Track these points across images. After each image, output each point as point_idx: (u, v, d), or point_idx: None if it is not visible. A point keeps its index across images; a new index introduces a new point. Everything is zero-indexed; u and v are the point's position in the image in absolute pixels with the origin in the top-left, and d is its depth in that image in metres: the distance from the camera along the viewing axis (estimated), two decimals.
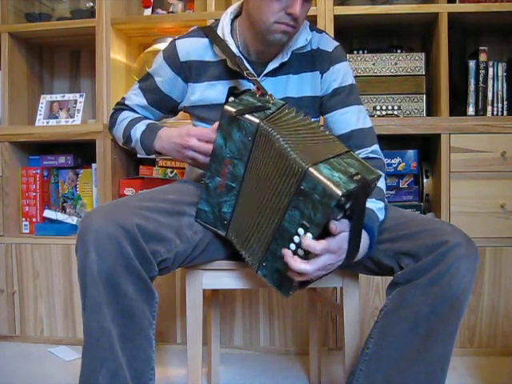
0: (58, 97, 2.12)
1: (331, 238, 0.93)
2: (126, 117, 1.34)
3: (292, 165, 0.93)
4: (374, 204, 1.06)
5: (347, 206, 0.92)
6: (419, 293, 0.99)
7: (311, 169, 0.90)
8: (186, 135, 1.12)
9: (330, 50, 1.27)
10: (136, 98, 1.35)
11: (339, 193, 0.87)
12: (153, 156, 1.92)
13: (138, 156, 1.99)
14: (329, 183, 0.88)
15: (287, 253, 0.94)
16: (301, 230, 0.93)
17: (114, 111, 1.39)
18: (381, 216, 1.07)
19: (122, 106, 1.38)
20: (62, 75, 2.32)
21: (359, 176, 0.91)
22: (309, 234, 0.92)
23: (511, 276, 1.78)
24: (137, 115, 1.35)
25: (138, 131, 1.27)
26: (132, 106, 1.36)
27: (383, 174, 1.19)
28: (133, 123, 1.30)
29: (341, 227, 0.93)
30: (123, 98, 1.39)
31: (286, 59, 1.23)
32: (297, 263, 0.92)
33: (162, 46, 1.91)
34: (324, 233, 0.93)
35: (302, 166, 0.91)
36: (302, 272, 0.93)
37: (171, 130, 1.22)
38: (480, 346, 1.80)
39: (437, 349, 0.98)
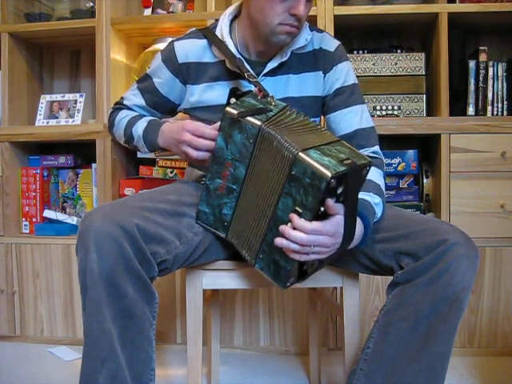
0: (58, 97, 2.12)
1: (326, 220, 0.93)
2: (124, 116, 1.34)
3: (283, 152, 0.94)
4: (370, 198, 1.06)
5: (339, 190, 0.92)
6: (419, 292, 0.99)
7: (301, 153, 0.91)
8: (182, 130, 1.12)
9: (332, 49, 1.27)
10: (135, 98, 1.35)
11: (329, 174, 0.87)
12: (153, 156, 1.95)
13: (138, 156, 2.00)
14: (318, 166, 0.89)
15: (284, 227, 0.93)
16: (295, 215, 0.93)
17: (112, 111, 1.40)
18: (378, 210, 1.07)
19: (120, 106, 1.38)
20: (62, 75, 2.32)
21: (349, 160, 0.91)
22: (302, 219, 0.93)
23: (511, 276, 1.78)
24: (135, 113, 1.35)
25: (139, 129, 1.27)
26: (130, 105, 1.36)
27: (382, 172, 1.19)
28: (133, 122, 1.30)
29: (335, 209, 0.93)
30: (122, 98, 1.39)
31: (285, 59, 1.23)
32: (290, 230, 0.92)
33: (161, 46, 1.90)
34: (318, 219, 0.93)
35: (292, 152, 0.92)
36: (295, 240, 0.92)
37: (173, 124, 1.21)
38: (480, 346, 1.80)
39: (437, 347, 0.99)
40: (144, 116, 1.33)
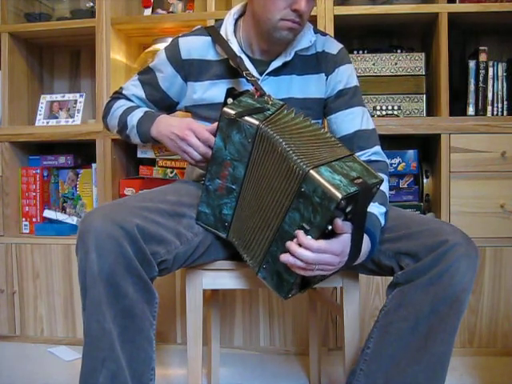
0: (58, 97, 2.12)
1: (333, 239, 0.93)
2: (121, 104, 1.33)
3: (293, 167, 0.93)
4: (376, 209, 1.06)
5: (348, 209, 0.91)
6: (420, 292, 0.99)
7: (312, 171, 0.90)
8: (186, 129, 1.12)
9: (335, 52, 1.28)
10: (134, 88, 1.35)
11: (339, 196, 0.86)
12: (154, 156, 1.95)
13: (138, 156, 2.00)
14: (329, 186, 0.87)
15: (290, 244, 0.93)
16: (301, 233, 0.92)
17: (110, 99, 1.39)
18: (382, 221, 1.07)
19: (118, 95, 1.38)
20: (62, 75, 2.32)
21: (361, 180, 0.90)
22: (308, 237, 0.92)
23: (511, 276, 1.78)
24: (133, 104, 1.34)
25: (134, 118, 1.26)
26: (129, 95, 1.35)
27: (386, 177, 1.18)
28: (129, 111, 1.29)
29: (343, 229, 0.93)
30: (121, 88, 1.38)
31: (289, 58, 1.23)
32: (297, 247, 0.92)
33: (161, 46, 1.90)
34: (325, 236, 0.92)
35: (302, 169, 0.91)
36: (301, 258, 0.91)
37: (172, 118, 1.21)
38: (480, 346, 1.80)
39: (437, 348, 0.99)
40: (141, 107, 1.32)
